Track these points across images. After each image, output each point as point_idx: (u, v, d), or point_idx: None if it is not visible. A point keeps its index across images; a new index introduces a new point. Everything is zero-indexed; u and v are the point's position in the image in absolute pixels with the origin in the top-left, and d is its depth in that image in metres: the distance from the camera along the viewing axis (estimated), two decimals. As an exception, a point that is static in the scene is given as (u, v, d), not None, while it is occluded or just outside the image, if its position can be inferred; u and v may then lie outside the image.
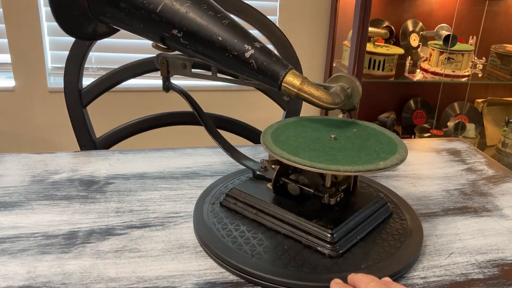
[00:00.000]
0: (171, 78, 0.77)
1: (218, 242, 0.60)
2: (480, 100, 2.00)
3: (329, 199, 0.64)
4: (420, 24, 1.80)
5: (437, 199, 0.77)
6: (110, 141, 1.00)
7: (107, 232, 0.65)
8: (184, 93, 0.78)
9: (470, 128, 1.86)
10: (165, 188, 0.76)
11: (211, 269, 0.58)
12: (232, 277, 0.57)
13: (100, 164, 0.84)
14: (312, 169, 0.55)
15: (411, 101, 2.03)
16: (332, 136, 0.62)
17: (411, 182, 0.82)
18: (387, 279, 0.50)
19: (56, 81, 1.95)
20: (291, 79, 0.63)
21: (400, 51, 1.73)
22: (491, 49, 1.84)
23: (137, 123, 1.01)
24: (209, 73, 0.71)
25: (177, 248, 0.62)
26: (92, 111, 1.06)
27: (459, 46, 1.70)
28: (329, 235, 0.59)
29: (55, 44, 1.90)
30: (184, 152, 0.90)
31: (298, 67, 1.03)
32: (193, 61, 0.72)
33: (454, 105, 2.00)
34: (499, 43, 1.84)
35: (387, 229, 0.65)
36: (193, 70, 0.73)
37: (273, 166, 0.70)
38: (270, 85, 0.64)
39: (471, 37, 1.75)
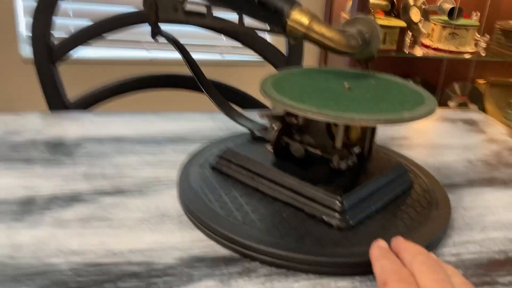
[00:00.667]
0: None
1: (205, 208, 0.50)
2: (482, 81, 1.91)
3: (339, 163, 0.53)
4: (423, -3, 1.70)
5: (460, 169, 0.67)
6: (84, 105, 0.89)
7: (72, 199, 0.54)
8: (174, 41, 0.67)
9: (473, 109, 1.77)
10: (145, 152, 0.65)
11: (198, 241, 0.48)
12: (223, 251, 0.46)
13: (69, 126, 0.73)
14: (318, 117, 0.45)
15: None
16: (346, 85, 0.52)
17: (427, 151, 0.72)
18: (434, 256, 0.40)
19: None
20: (299, 17, 0.52)
21: (402, 24, 1.63)
22: (496, 25, 1.74)
23: (117, 86, 0.89)
24: (203, 11, 0.59)
25: (156, 217, 0.51)
26: (69, 85, 0.94)
27: (463, 21, 1.60)
28: (338, 202, 0.49)
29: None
30: (169, 116, 0.78)
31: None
32: (185, 1, 0.61)
33: (454, 86, 1.90)
34: (503, 19, 1.75)
35: (408, 201, 0.55)
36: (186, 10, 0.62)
37: (274, 126, 0.59)
38: (274, 24, 0.54)
39: (474, 13, 1.66)
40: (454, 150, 0.73)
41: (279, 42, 0.96)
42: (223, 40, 1.61)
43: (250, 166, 0.55)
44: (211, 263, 0.45)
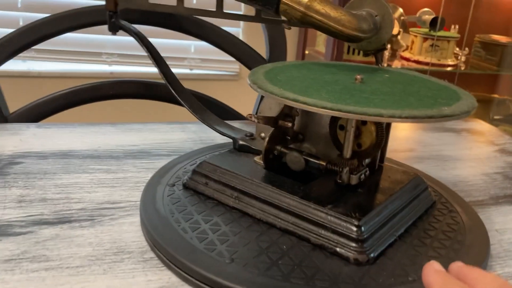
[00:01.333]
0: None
1: (177, 240, 0.37)
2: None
3: (349, 177, 0.42)
4: (400, 10, 1.64)
5: (479, 184, 0.56)
6: (29, 118, 0.75)
7: (-2, 231, 0.40)
8: (137, 34, 0.55)
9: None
10: (99, 170, 0.52)
11: (168, 285, 0.35)
12: (203, 300, 0.34)
13: (6, 140, 0.59)
14: (337, 113, 0.33)
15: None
16: (358, 77, 0.41)
17: (437, 165, 0.62)
18: None
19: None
20: (294, -8, 0.41)
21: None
22: (476, 38, 1.69)
23: (68, 94, 0.76)
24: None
25: (112, 255, 0.38)
26: (22, 100, 0.80)
27: (444, 33, 1.54)
28: (354, 229, 0.37)
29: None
30: (130, 128, 0.66)
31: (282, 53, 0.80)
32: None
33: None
34: (481, 33, 1.71)
35: (434, 224, 0.43)
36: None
37: (262, 134, 0.48)
38: (264, 4, 0.42)
39: (453, 26, 1.61)
40: (466, 163, 0.63)
41: (257, 43, 0.85)
42: (191, 52, 1.50)
43: (234, 182, 0.43)
44: (188, 319, 0.32)
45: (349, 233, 0.37)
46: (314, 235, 0.38)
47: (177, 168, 0.50)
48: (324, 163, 0.42)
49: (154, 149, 0.59)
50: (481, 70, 1.64)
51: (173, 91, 0.52)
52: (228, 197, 0.43)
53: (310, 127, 0.46)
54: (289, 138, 0.46)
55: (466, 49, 1.66)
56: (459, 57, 1.65)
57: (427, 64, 1.57)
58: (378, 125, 0.41)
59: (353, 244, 0.37)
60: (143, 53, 1.34)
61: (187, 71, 1.53)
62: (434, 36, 1.53)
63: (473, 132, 0.76)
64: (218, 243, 0.37)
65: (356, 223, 0.37)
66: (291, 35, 1.69)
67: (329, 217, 0.38)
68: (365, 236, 0.37)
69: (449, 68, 1.59)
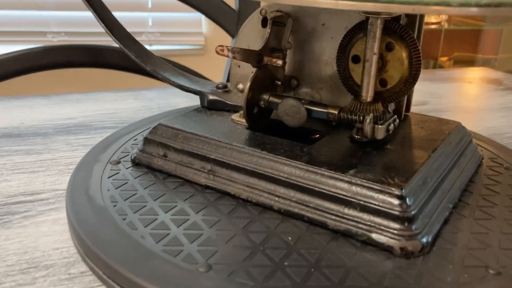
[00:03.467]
0: None
1: (122, 242, 0.23)
2: (445, 58, 1.75)
3: (373, 128, 0.28)
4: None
5: (521, 135, 0.44)
6: None
7: None
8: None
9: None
10: (16, 152, 0.38)
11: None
12: None
13: None
14: (372, 5, 0.19)
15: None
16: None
17: (461, 117, 0.49)
18: None
19: None
20: None
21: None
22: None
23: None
24: None
25: (20, 273, 0.24)
26: None
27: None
28: (396, 201, 0.24)
29: None
30: (66, 99, 0.51)
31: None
32: None
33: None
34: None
35: (492, 186, 0.31)
36: None
37: (239, 86, 0.34)
38: None
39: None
40: (494, 113, 0.51)
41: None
42: (148, 25, 1.34)
43: (206, 150, 0.29)
44: None
45: (389, 209, 0.24)
46: (334, 217, 0.25)
47: (125, 139, 0.35)
48: (335, 111, 0.29)
49: (96, 122, 0.44)
50: (464, 26, 1.53)
51: (112, 37, 0.37)
52: (198, 172, 0.29)
53: (307, 66, 0.33)
54: (279, 83, 0.32)
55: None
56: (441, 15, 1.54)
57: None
58: (412, 47, 0.28)
59: (397, 226, 0.24)
60: (95, 29, 1.17)
61: (146, 47, 1.36)
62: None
63: (488, 80, 0.64)
64: (186, 242, 0.23)
65: (397, 192, 0.24)
66: None
67: (353, 187, 0.25)
68: (413, 212, 0.24)
69: (433, 26, 1.48)
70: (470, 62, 1.74)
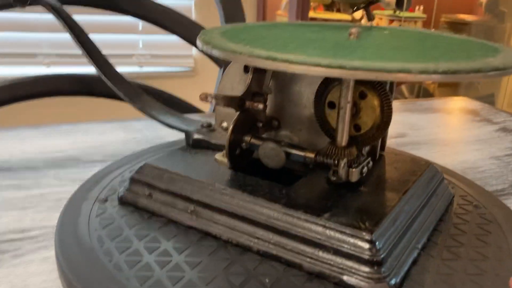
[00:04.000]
0: None
1: (107, 283, 0.25)
2: (430, 81, 1.78)
3: (348, 171, 0.30)
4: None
5: (492, 170, 0.46)
6: None
7: None
8: (54, 7, 0.42)
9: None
10: (6, 186, 0.39)
11: None
12: None
13: None
14: (338, 72, 0.21)
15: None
16: (353, 31, 0.29)
17: (437, 150, 0.51)
18: None
19: None
20: None
21: (346, 17, 1.46)
22: (442, 19, 1.63)
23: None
24: None
25: (8, 313, 0.25)
26: None
27: (409, 14, 1.47)
28: (366, 245, 0.26)
29: None
30: (56, 130, 0.52)
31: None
32: None
33: (402, 88, 1.77)
34: (447, 13, 1.64)
35: (461, 226, 0.33)
36: None
37: (223, 124, 0.36)
38: None
39: (417, 7, 1.53)
40: (470, 146, 0.53)
41: (206, 20, 0.73)
42: (139, 47, 1.36)
43: (189, 191, 0.31)
44: None
45: (360, 253, 0.26)
46: (308, 259, 0.27)
47: (112, 176, 0.37)
48: (312, 155, 0.31)
49: (86, 155, 0.45)
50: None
51: (99, 72, 0.39)
52: (181, 212, 0.30)
53: (287, 108, 0.34)
54: (260, 125, 0.34)
55: (433, 30, 1.59)
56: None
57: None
58: (383, 96, 0.30)
59: (367, 269, 0.25)
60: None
61: (136, 69, 1.38)
62: (401, 17, 1.45)
63: (465, 111, 0.66)
64: (169, 284, 0.25)
65: (367, 237, 0.26)
66: (249, 5, 1.54)
67: (327, 231, 0.27)
68: (382, 256, 0.26)
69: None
70: (454, 86, 1.78)
